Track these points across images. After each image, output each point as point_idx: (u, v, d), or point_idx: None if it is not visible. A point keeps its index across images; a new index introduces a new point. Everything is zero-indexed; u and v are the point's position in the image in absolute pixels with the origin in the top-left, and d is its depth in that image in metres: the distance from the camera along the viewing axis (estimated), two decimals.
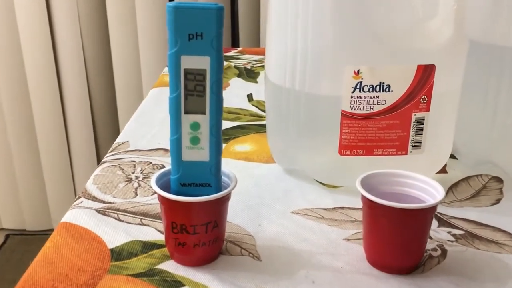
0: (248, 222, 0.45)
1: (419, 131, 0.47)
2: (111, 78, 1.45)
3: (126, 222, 0.44)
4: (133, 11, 1.34)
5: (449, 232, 0.44)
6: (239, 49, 1.10)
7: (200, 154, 0.37)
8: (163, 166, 0.55)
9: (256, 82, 0.85)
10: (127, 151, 0.59)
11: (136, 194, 0.49)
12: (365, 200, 0.38)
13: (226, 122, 0.67)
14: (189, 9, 0.33)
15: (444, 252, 0.41)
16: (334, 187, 0.51)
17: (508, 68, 0.49)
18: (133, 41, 1.38)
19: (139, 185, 0.51)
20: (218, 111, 0.36)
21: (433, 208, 0.37)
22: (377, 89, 0.45)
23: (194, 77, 0.35)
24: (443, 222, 0.45)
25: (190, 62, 0.35)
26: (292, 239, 0.43)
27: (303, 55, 0.46)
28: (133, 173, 0.54)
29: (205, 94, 0.35)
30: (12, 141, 1.49)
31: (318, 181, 0.52)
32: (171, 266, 0.39)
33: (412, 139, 0.47)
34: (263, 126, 0.65)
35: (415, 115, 0.47)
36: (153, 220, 0.45)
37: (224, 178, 0.39)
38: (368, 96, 0.46)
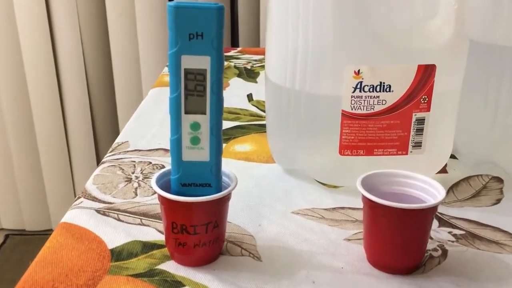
0: (249, 222, 0.45)
1: (420, 131, 0.47)
2: (111, 78, 1.45)
3: (126, 222, 0.44)
4: (133, 11, 1.34)
5: (449, 232, 0.44)
6: (238, 49, 1.10)
7: (200, 154, 0.37)
8: (163, 166, 0.55)
9: (256, 82, 0.85)
10: (127, 151, 0.59)
11: (136, 194, 0.49)
12: (366, 200, 0.38)
13: (226, 122, 0.67)
14: (190, 9, 0.33)
15: (444, 252, 0.41)
16: (335, 187, 0.51)
17: (508, 68, 0.49)
18: (132, 41, 1.38)
19: (139, 185, 0.51)
20: (218, 111, 0.36)
21: (433, 208, 0.37)
22: (378, 89, 0.45)
23: (194, 77, 0.35)
24: (443, 222, 0.45)
25: (191, 62, 0.35)
26: (292, 239, 0.42)
27: (303, 55, 0.46)
28: (133, 173, 0.54)
29: (205, 94, 0.35)
30: (11, 141, 1.49)
31: (318, 181, 0.52)
32: (171, 267, 0.39)
33: (413, 139, 0.47)
34: (263, 126, 0.65)
35: (415, 115, 0.47)
36: (153, 220, 0.45)
37: (224, 178, 0.39)
38: (368, 96, 0.45)
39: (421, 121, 0.47)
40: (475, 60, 0.49)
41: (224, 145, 0.55)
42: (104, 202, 0.48)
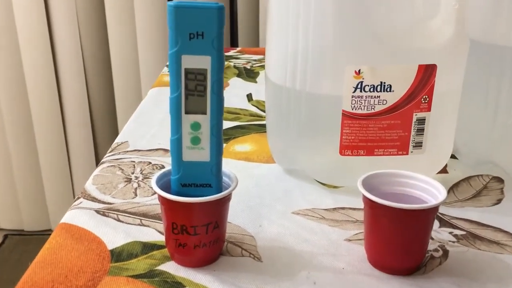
0: (249, 222, 0.45)
1: (420, 131, 0.47)
2: (110, 78, 1.45)
3: (126, 223, 0.44)
4: (132, 10, 1.34)
5: (450, 233, 0.44)
6: (238, 48, 1.10)
7: (200, 154, 0.37)
8: (163, 166, 0.55)
9: (256, 82, 0.85)
10: (127, 151, 0.59)
11: (136, 195, 0.49)
12: (367, 200, 0.37)
13: (226, 122, 0.67)
14: (190, 9, 0.33)
15: (445, 253, 0.41)
16: (335, 187, 0.51)
17: (508, 68, 0.49)
18: (132, 41, 1.38)
19: (139, 186, 0.51)
20: (219, 111, 0.36)
21: (435, 208, 0.37)
22: (378, 89, 0.45)
23: (194, 77, 0.35)
24: (444, 223, 0.45)
25: (191, 61, 0.34)
26: (293, 239, 0.42)
27: (304, 55, 0.46)
28: (132, 173, 0.53)
29: (205, 94, 0.35)
30: (10, 141, 1.48)
31: (318, 181, 0.52)
32: (171, 267, 0.39)
33: (413, 139, 0.47)
34: (263, 126, 0.65)
35: (416, 115, 0.46)
36: (153, 220, 0.45)
37: (224, 178, 0.39)
38: (369, 96, 0.45)
39: (421, 121, 0.47)
40: (475, 60, 0.49)
41: (224, 145, 0.55)
42: (103, 202, 0.48)
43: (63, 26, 1.37)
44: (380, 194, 0.37)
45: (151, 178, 0.52)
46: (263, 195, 0.49)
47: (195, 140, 0.36)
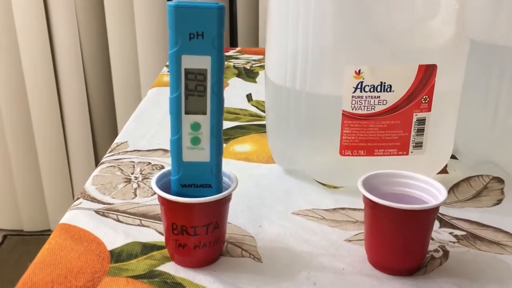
0: (249, 223, 0.45)
1: (420, 131, 0.47)
2: (109, 78, 1.45)
3: (126, 223, 0.44)
4: (131, 10, 1.34)
5: (450, 233, 0.43)
6: (237, 48, 1.10)
7: (200, 154, 0.37)
8: (163, 167, 0.55)
9: (255, 82, 0.85)
10: (126, 151, 0.59)
11: (136, 195, 0.49)
12: (367, 201, 0.37)
13: (226, 122, 0.67)
14: (190, 9, 0.33)
15: (446, 253, 0.41)
16: (335, 187, 0.51)
17: (508, 68, 0.49)
18: (131, 40, 1.37)
19: (139, 186, 0.51)
20: (219, 111, 0.36)
21: (435, 209, 0.37)
22: (378, 89, 0.45)
23: (194, 77, 0.35)
24: (444, 223, 0.45)
25: (191, 61, 0.34)
26: (293, 240, 0.42)
27: (304, 55, 0.46)
28: (132, 173, 0.53)
29: (205, 94, 0.35)
30: (9, 141, 1.48)
31: (318, 182, 0.52)
32: (171, 268, 0.39)
33: (413, 139, 0.47)
34: (263, 126, 0.65)
35: (416, 115, 0.46)
36: (153, 221, 0.45)
37: (224, 178, 0.39)
38: (369, 96, 0.45)
39: (421, 121, 0.47)
40: (475, 60, 0.49)
41: (223, 145, 0.55)
42: (103, 203, 0.48)
43: (63, 25, 1.37)
44: (380, 195, 0.37)
45: (150, 179, 0.52)
46: (263, 195, 0.49)
47: (195, 141, 0.36)
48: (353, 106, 0.46)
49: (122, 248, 0.41)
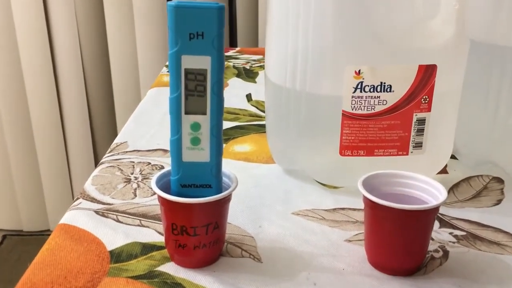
0: (249, 223, 0.45)
1: (420, 131, 0.47)
2: (109, 78, 1.44)
3: (125, 224, 0.44)
4: (131, 10, 1.34)
5: (450, 233, 0.43)
6: (237, 49, 1.10)
7: (200, 155, 0.36)
8: (162, 167, 0.55)
9: (255, 82, 0.85)
10: (126, 151, 0.59)
11: (135, 195, 0.49)
12: (367, 201, 0.37)
13: (225, 122, 0.67)
14: (190, 9, 0.33)
15: (446, 254, 0.41)
16: (335, 187, 0.51)
17: (509, 68, 0.49)
18: (131, 40, 1.37)
19: (138, 186, 0.51)
20: (219, 111, 0.36)
21: (435, 209, 0.37)
22: (378, 89, 0.45)
23: (194, 77, 0.35)
24: (444, 223, 0.45)
25: (191, 62, 0.34)
26: (293, 240, 0.42)
27: (304, 55, 0.46)
28: (132, 173, 0.53)
29: (205, 94, 0.35)
30: (9, 141, 1.48)
31: (318, 182, 0.52)
32: (171, 268, 0.39)
33: (413, 139, 0.47)
34: (263, 126, 0.65)
35: (416, 115, 0.46)
36: (153, 221, 0.45)
37: (224, 179, 0.39)
38: (369, 96, 0.45)
39: (421, 121, 0.47)
40: (475, 60, 0.49)
41: (223, 145, 0.55)
42: (103, 203, 0.48)
43: (62, 25, 1.37)
44: (380, 195, 0.37)
45: (150, 179, 0.52)
46: (263, 195, 0.49)
47: (195, 141, 0.36)
48: (353, 106, 0.46)
49: (121, 249, 0.41)
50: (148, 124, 0.66)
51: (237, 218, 0.45)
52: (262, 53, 1.02)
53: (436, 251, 0.41)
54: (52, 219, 1.56)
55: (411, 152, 0.48)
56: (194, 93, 0.35)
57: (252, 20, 1.36)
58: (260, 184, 0.52)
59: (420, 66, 0.45)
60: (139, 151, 0.59)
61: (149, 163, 0.56)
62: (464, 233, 0.43)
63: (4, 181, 1.54)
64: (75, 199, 0.49)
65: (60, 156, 1.49)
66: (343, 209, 0.47)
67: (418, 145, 0.47)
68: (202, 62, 0.34)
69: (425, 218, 0.37)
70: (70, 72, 1.41)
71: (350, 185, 0.49)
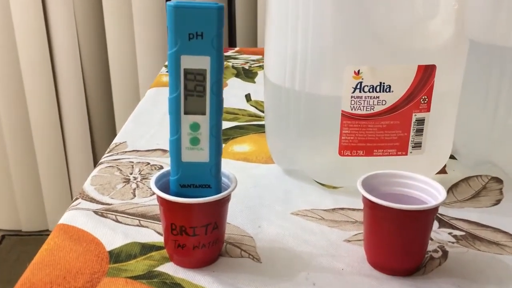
0: (248, 223, 0.45)
1: (419, 131, 0.47)
2: (108, 78, 1.44)
3: (125, 224, 0.44)
4: (130, 10, 1.34)
5: (450, 233, 0.43)
6: (236, 49, 1.10)
7: (200, 155, 0.36)
8: (161, 167, 0.55)
9: (254, 82, 0.85)
10: (125, 151, 0.59)
11: (135, 195, 0.49)
12: (366, 201, 0.37)
13: (224, 122, 0.67)
14: (189, 9, 0.33)
15: (445, 254, 0.41)
16: (334, 187, 0.51)
17: (508, 68, 0.49)
18: (130, 40, 1.37)
19: (137, 186, 0.51)
20: (218, 111, 0.36)
21: (434, 209, 0.37)
22: (378, 89, 0.45)
23: (194, 77, 0.35)
24: (443, 223, 0.45)
25: (190, 62, 0.34)
26: (292, 240, 0.42)
27: (303, 55, 0.46)
28: (131, 174, 0.53)
29: (205, 95, 0.35)
30: (7, 141, 1.48)
31: (317, 182, 0.52)
32: (170, 268, 0.38)
33: (412, 139, 0.47)
34: (262, 126, 0.65)
35: (415, 115, 0.46)
36: (152, 221, 0.44)
37: (223, 179, 0.39)
38: (368, 97, 0.45)
39: (421, 121, 0.47)
40: (475, 60, 0.49)
41: (223, 145, 0.55)
42: (102, 203, 0.47)
43: (61, 25, 1.37)
44: (380, 195, 0.37)
45: (149, 179, 0.52)
46: (262, 195, 0.49)
47: (194, 141, 0.36)
48: (352, 106, 0.46)
49: (121, 249, 0.41)
50: (147, 124, 0.66)
51: (236, 218, 0.45)
52: (261, 53, 1.02)
53: (435, 251, 0.41)
54: (51, 219, 1.56)
55: (410, 152, 0.48)
56: (194, 93, 0.35)
57: (251, 20, 1.36)
58: (259, 184, 0.52)
59: (420, 66, 0.45)
60: (138, 151, 0.59)
61: (148, 163, 0.56)
62: (463, 233, 0.43)
63: (3, 181, 1.54)
64: (74, 199, 0.49)
65: (59, 156, 1.49)
66: (342, 209, 0.47)
67: (417, 145, 0.47)
68: (201, 62, 0.34)
69: (424, 218, 0.37)
70: (69, 72, 1.41)
71: (349, 185, 0.49)
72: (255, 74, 0.89)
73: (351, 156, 0.47)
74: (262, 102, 0.74)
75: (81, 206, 0.47)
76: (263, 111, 0.70)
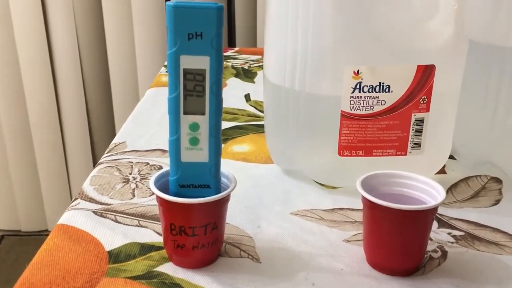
0: (247, 223, 0.45)
1: (419, 131, 0.47)
2: (107, 78, 1.44)
3: (124, 224, 0.44)
4: (129, 10, 1.34)
5: (449, 233, 0.43)
6: (236, 49, 1.10)
7: (199, 155, 0.36)
8: (161, 167, 0.55)
9: (254, 82, 0.85)
10: (125, 151, 0.59)
11: (134, 195, 0.49)
12: (366, 201, 0.37)
13: (224, 122, 0.67)
14: (189, 9, 0.33)
15: (444, 254, 0.41)
16: (333, 188, 0.51)
17: (507, 68, 0.49)
18: (129, 40, 1.37)
19: (137, 186, 0.51)
20: (217, 111, 0.36)
21: (434, 209, 0.37)
22: (377, 89, 0.45)
23: (193, 77, 0.35)
24: (443, 223, 0.45)
25: (190, 62, 0.34)
26: (291, 240, 0.42)
27: (303, 55, 0.46)
28: (130, 174, 0.53)
29: (204, 95, 0.35)
30: (7, 141, 1.48)
31: (317, 182, 0.52)
32: (169, 269, 0.38)
33: (412, 139, 0.47)
34: (261, 126, 0.65)
35: (414, 115, 0.46)
36: (151, 221, 0.44)
37: (223, 179, 0.39)
38: (367, 97, 0.45)
39: (420, 121, 0.47)
40: (474, 61, 0.49)
41: (222, 145, 0.55)
42: (101, 203, 0.47)
43: (60, 25, 1.37)
44: (379, 195, 0.37)
45: (149, 179, 0.52)
46: (261, 195, 0.49)
47: (194, 141, 0.36)
48: (351, 106, 0.46)
49: (120, 249, 0.41)
50: (146, 124, 0.66)
51: (235, 218, 0.45)
52: (261, 53, 1.02)
53: (434, 251, 0.41)
54: (50, 219, 1.56)
55: (410, 152, 0.48)
56: (193, 93, 0.35)
57: (251, 20, 1.36)
58: (259, 184, 0.52)
59: (419, 66, 0.45)
60: (137, 151, 0.59)
61: (148, 163, 0.56)
62: (462, 233, 0.44)
63: (3, 181, 1.54)
64: (73, 199, 0.49)
65: (58, 156, 1.49)
66: (341, 209, 0.47)
67: (417, 145, 0.48)
68: (200, 62, 0.34)
69: (423, 218, 0.37)
70: (69, 72, 1.41)
71: (348, 185, 0.49)
72: (255, 74, 0.89)
73: (350, 156, 0.47)
74: (262, 102, 0.74)
75: (81, 206, 0.47)
76: (262, 111, 0.70)
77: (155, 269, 0.38)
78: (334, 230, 0.44)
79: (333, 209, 0.47)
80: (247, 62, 0.97)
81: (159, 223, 0.43)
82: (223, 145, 0.60)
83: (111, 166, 0.55)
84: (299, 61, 0.46)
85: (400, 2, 0.44)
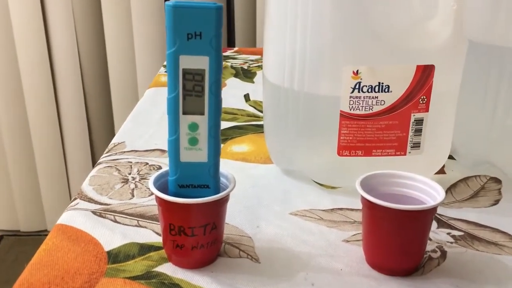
0: (246, 223, 0.45)
1: (418, 131, 0.47)
2: (106, 78, 1.44)
3: (123, 224, 0.44)
4: (129, 9, 1.34)
5: (448, 234, 0.43)
6: (235, 49, 1.10)
7: (198, 155, 0.36)
8: (160, 167, 0.55)
9: (253, 82, 0.85)
10: (124, 151, 0.59)
11: (133, 195, 0.49)
12: (365, 201, 0.37)
13: (223, 122, 0.67)
14: (188, 9, 0.33)
15: (443, 254, 0.41)
16: (333, 188, 0.51)
17: (507, 68, 0.49)
18: (128, 40, 1.37)
19: (136, 186, 0.51)
20: (217, 111, 0.36)
21: (433, 209, 0.37)
22: (376, 89, 0.45)
23: (192, 77, 0.35)
24: (442, 223, 0.45)
25: (189, 62, 0.34)
26: (291, 240, 0.42)
27: (302, 55, 0.46)
28: (129, 174, 0.53)
29: (203, 95, 0.35)
30: (6, 141, 1.48)
31: (316, 182, 0.51)
32: (168, 269, 0.38)
33: (411, 139, 0.47)
34: (261, 126, 0.65)
35: (414, 115, 0.46)
36: (150, 221, 0.44)
37: (222, 179, 0.39)
38: (367, 97, 0.45)
39: (419, 121, 0.47)
40: (473, 61, 0.49)
41: (221, 145, 0.55)
42: (100, 203, 0.47)
43: (60, 24, 1.37)
44: (378, 195, 0.37)
45: (148, 179, 0.52)
46: (260, 196, 0.49)
47: (193, 141, 0.36)
48: (351, 106, 0.46)
49: (119, 249, 0.41)
50: (146, 124, 0.66)
51: (235, 219, 0.45)
52: (260, 53, 1.02)
53: (434, 251, 0.41)
54: (49, 220, 1.55)
55: (409, 152, 0.48)
56: (192, 93, 0.35)
57: (250, 20, 1.36)
58: (258, 184, 0.51)
59: (418, 66, 0.45)
60: (136, 151, 0.59)
61: (147, 163, 0.55)
62: (461, 233, 0.44)
63: (1, 181, 1.54)
64: (72, 199, 0.49)
65: (58, 156, 1.49)
66: (341, 209, 0.47)
67: (416, 145, 0.47)
68: (200, 62, 0.34)
69: (423, 218, 0.37)
70: (68, 71, 1.41)
71: (348, 185, 0.49)
72: (254, 74, 0.89)
73: (349, 156, 0.47)
74: (261, 102, 0.74)
75: (80, 206, 0.47)
76: (262, 111, 0.70)
77: (154, 269, 0.38)
78: (334, 230, 0.44)
79: (332, 209, 0.47)
80: (246, 62, 0.96)
81: (158, 223, 0.43)
82: (222, 145, 0.60)
83: (110, 166, 0.55)
84: (298, 61, 0.46)
85: (400, 2, 0.44)
